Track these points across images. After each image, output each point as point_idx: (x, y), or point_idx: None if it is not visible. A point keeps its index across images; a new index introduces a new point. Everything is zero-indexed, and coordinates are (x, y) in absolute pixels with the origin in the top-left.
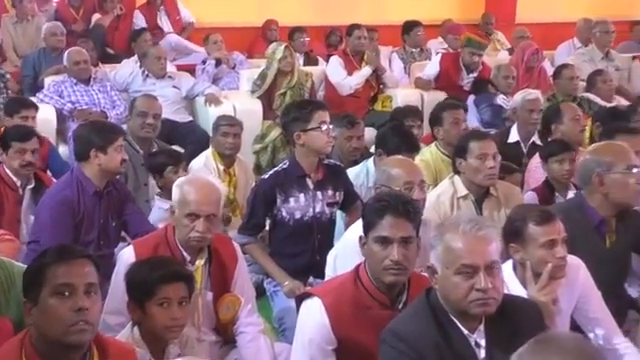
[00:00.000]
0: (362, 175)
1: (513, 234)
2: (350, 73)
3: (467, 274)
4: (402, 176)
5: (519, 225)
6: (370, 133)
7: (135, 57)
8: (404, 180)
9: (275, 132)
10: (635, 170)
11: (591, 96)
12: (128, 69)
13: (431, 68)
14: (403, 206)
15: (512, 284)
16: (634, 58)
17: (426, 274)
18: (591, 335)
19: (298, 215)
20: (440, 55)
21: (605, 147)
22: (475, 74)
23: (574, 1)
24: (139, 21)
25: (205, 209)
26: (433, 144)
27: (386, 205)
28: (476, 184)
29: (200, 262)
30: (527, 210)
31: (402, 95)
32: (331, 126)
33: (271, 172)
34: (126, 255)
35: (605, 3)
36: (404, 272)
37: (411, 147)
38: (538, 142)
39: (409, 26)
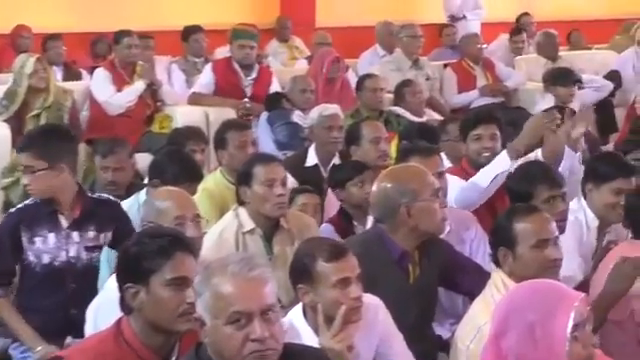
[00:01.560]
0: (133, 211)
1: (301, 273)
2: (120, 89)
3: (240, 323)
4: (172, 210)
5: (307, 263)
6: (146, 160)
7: None
8: (174, 215)
9: None
10: (440, 194)
11: (399, 110)
12: None
13: (204, 78)
14: (189, 241)
15: (303, 331)
16: (446, 66)
17: None
18: None
19: (46, 259)
20: (211, 63)
21: (405, 173)
22: (254, 75)
23: (381, 3)
24: None
25: None
26: (217, 170)
27: (173, 241)
28: (264, 215)
29: None
30: (316, 245)
31: (183, 114)
32: None
33: (20, 205)
34: None
35: (413, 5)
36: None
37: (192, 176)
38: None
39: (188, 32)
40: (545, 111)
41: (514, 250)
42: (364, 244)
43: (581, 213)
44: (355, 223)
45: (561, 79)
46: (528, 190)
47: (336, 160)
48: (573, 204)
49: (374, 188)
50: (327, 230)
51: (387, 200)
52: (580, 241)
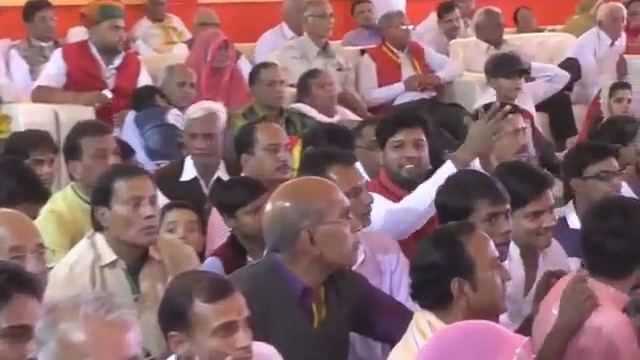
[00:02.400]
0: None
1: (174, 317)
2: None
3: None
4: (7, 239)
5: (181, 303)
6: None
7: None
8: (10, 245)
9: None
10: (350, 215)
11: (305, 108)
12: None
13: (53, 67)
14: (31, 278)
15: None
16: (363, 52)
17: None
18: None
19: None
20: (61, 48)
21: (307, 188)
22: (118, 62)
23: None
24: None
25: None
26: (69, 186)
27: (10, 279)
28: (127, 243)
29: None
30: (192, 281)
31: (26, 113)
32: None
33: None
34: None
35: None
36: None
37: (34, 194)
38: (226, 178)
39: (32, 8)
40: (485, 107)
41: (473, 278)
42: (255, 279)
43: None
44: (249, 259)
45: (504, 69)
46: (465, 205)
47: (221, 172)
48: None
49: (268, 208)
50: (212, 266)
51: (284, 223)
52: None
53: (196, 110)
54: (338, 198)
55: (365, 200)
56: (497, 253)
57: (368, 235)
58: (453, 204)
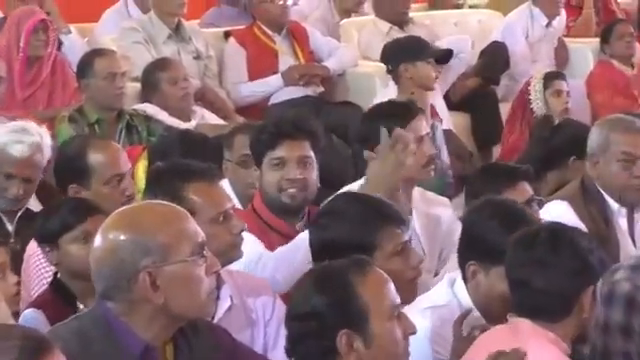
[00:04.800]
0: None
1: None
2: None
3: None
4: None
5: None
6: None
7: None
8: None
9: None
10: (206, 252)
11: (152, 109)
12: None
13: None
14: None
15: None
16: (228, 35)
17: None
18: None
19: None
20: None
21: (150, 217)
22: None
23: None
24: None
25: None
26: None
27: None
28: None
29: None
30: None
31: None
32: None
33: None
34: None
35: None
36: None
37: None
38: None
39: None
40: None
41: (366, 331)
42: (80, 335)
43: (453, 304)
44: (81, 306)
45: (420, 51)
46: (369, 241)
47: (31, 202)
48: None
49: (97, 242)
50: (32, 320)
51: (118, 262)
52: None
53: (18, 141)
54: (189, 230)
55: (235, 228)
56: (399, 299)
57: (236, 275)
58: (349, 241)
